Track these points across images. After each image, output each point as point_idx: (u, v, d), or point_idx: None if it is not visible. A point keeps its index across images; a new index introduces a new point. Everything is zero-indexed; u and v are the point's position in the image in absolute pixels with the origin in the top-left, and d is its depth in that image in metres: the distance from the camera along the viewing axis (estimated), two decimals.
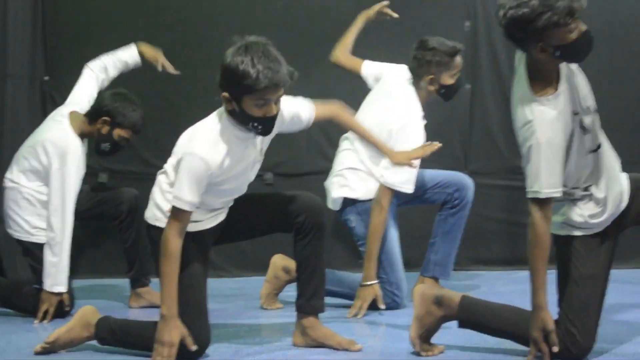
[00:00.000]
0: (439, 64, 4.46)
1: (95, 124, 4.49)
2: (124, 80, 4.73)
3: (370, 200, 4.42)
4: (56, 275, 4.29)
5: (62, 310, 4.33)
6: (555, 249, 3.39)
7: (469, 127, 5.72)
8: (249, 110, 3.34)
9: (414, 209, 4.94)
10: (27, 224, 4.43)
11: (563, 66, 3.25)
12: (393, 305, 4.43)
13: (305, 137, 5.53)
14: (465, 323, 3.46)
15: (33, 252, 4.44)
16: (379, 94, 4.63)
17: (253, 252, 5.28)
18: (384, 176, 4.39)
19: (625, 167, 3.43)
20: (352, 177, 4.50)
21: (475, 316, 3.44)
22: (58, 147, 4.35)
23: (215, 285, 4.86)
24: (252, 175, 3.65)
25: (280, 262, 4.56)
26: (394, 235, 4.51)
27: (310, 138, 5.59)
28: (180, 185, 3.38)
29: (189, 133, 3.49)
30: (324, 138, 5.59)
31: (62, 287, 4.31)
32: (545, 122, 3.16)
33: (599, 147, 3.30)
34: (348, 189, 4.50)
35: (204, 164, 3.36)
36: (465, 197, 4.64)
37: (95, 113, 4.49)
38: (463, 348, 3.53)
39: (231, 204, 3.71)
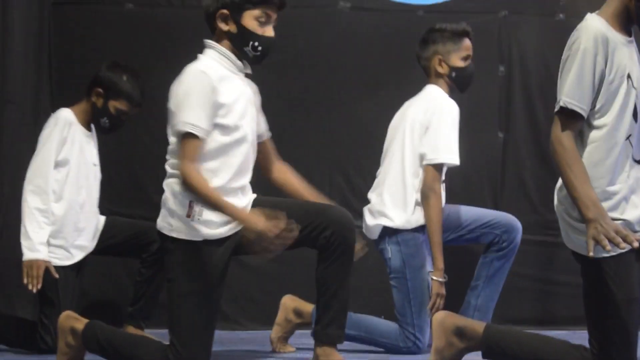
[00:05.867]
0: (446, 43, 4.63)
1: (90, 98, 4.57)
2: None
3: (410, 230, 4.49)
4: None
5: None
6: (583, 273, 3.33)
7: (501, 179, 5.73)
8: (249, 26, 3.55)
9: (453, 249, 4.90)
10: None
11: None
12: (414, 349, 4.47)
13: (328, 182, 5.60)
14: (490, 354, 3.47)
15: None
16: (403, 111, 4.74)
17: (267, 304, 5.32)
18: (426, 155, 4.47)
19: None
20: (391, 202, 4.53)
21: (501, 346, 3.44)
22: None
23: (226, 337, 4.97)
24: (254, 136, 3.70)
25: (291, 303, 4.59)
26: (427, 275, 4.53)
27: (333, 183, 5.63)
28: (185, 107, 3.43)
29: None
30: (345, 182, 5.64)
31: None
32: (591, 32, 3.20)
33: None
34: (386, 218, 4.53)
35: (204, 75, 3.48)
36: (513, 240, 4.67)
37: (89, 85, 4.59)
38: None
39: (249, 195, 3.69)
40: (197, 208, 3.51)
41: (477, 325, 3.50)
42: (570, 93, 3.18)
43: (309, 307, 4.45)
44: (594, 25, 3.21)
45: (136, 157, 5.58)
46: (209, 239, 3.52)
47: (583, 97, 3.18)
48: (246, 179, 3.70)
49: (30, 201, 4.40)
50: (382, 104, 5.42)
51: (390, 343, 4.53)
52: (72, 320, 3.82)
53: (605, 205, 3.17)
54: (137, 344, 3.69)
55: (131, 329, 4.66)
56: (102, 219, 4.76)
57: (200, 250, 3.53)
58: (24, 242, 4.38)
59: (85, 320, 3.77)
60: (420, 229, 4.52)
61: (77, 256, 4.59)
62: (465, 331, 3.48)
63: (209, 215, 3.51)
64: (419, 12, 5.71)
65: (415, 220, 4.51)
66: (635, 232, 3.21)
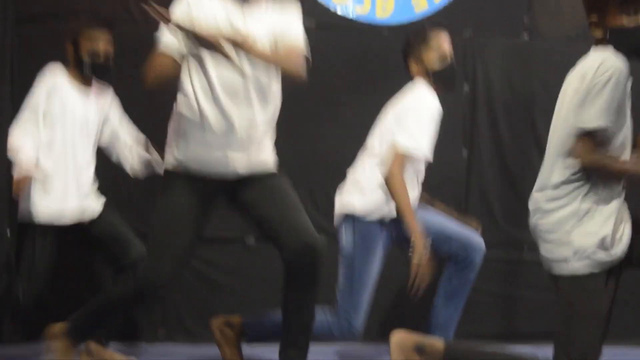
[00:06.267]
0: (415, 44, 4.59)
1: (70, 57, 4.72)
2: None
3: (369, 222, 4.42)
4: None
5: None
6: (559, 290, 3.38)
7: (465, 196, 5.74)
8: None
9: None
10: None
11: None
12: (346, 328, 4.36)
13: None
14: None
15: None
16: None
17: None
18: (395, 139, 4.38)
19: None
20: (358, 189, 4.49)
21: None
22: None
23: (189, 351, 5.03)
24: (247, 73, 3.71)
25: (218, 322, 4.45)
26: (375, 266, 4.45)
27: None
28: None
29: None
30: (310, 202, 5.56)
31: None
32: (619, 65, 3.24)
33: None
34: (350, 204, 4.48)
35: None
36: (468, 257, 4.56)
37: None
38: None
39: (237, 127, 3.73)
40: (175, 138, 3.72)
41: (437, 343, 3.50)
42: (604, 117, 3.23)
43: (236, 318, 4.39)
44: (617, 60, 3.26)
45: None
46: (177, 169, 3.71)
47: (607, 119, 3.25)
48: None
49: (21, 129, 4.58)
50: (346, 123, 5.46)
51: (321, 327, 4.35)
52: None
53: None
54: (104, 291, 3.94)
55: (92, 345, 4.49)
56: (101, 200, 4.70)
57: (170, 176, 3.73)
58: (17, 159, 4.46)
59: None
60: (380, 222, 4.45)
61: (63, 219, 4.54)
62: (425, 348, 3.48)
63: (183, 145, 3.69)
64: (384, 32, 5.67)
65: (379, 212, 4.43)
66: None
